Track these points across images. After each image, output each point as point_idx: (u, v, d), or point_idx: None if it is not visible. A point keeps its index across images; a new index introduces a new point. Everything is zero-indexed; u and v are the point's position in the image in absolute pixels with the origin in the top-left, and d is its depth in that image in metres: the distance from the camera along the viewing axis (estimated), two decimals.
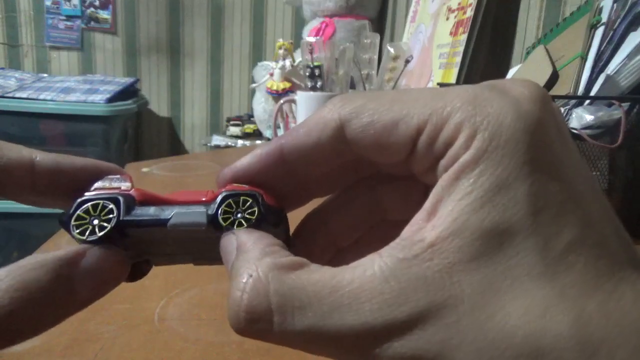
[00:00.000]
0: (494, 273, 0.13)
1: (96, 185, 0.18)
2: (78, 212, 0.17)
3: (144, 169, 0.90)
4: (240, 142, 1.95)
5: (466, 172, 0.14)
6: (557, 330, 0.13)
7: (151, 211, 0.17)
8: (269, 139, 1.65)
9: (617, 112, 0.54)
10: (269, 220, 0.18)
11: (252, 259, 0.15)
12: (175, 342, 0.36)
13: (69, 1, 2.29)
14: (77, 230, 0.17)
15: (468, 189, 0.14)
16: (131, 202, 0.17)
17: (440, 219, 0.14)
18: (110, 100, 1.88)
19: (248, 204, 0.18)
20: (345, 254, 0.21)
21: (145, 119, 2.40)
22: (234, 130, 2.05)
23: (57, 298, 0.16)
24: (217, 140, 2.03)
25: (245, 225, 0.17)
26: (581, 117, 0.56)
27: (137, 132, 2.36)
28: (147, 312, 0.39)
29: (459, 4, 1.05)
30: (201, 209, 0.17)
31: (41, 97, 1.83)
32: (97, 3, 2.31)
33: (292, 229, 0.21)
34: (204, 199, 0.18)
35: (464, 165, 0.14)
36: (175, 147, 2.46)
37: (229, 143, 1.97)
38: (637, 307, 0.13)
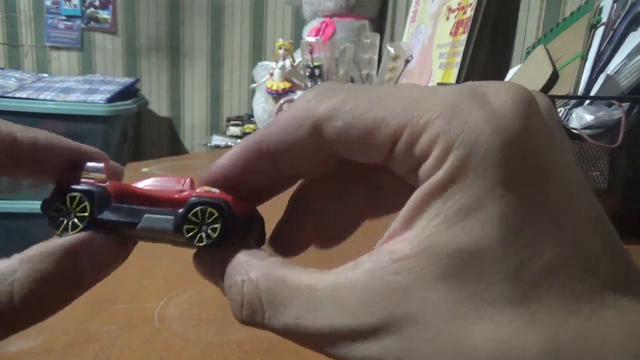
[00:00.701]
0: (459, 295, 0.13)
1: (79, 172, 0.19)
2: (55, 203, 0.18)
3: (144, 169, 0.90)
4: (240, 142, 1.95)
5: (437, 191, 0.14)
6: (523, 356, 0.13)
7: (122, 213, 0.18)
8: None
9: (617, 112, 0.54)
10: (234, 233, 0.18)
11: (240, 265, 0.17)
12: (175, 342, 0.36)
13: (69, 1, 2.29)
14: (53, 221, 0.18)
15: (437, 210, 0.14)
16: (105, 199, 0.18)
17: (411, 234, 0.14)
18: (110, 100, 1.87)
19: (209, 214, 0.18)
20: (336, 241, 0.21)
21: (145, 119, 2.40)
22: (234, 130, 2.04)
23: (64, 285, 0.17)
24: (217, 140, 2.03)
25: (210, 239, 0.18)
26: (581, 117, 0.56)
27: (137, 132, 2.36)
28: (147, 312, 0.39)
29: (459, 4, 1.05)
30: (170, 215, 0.18)
31: (41, 97, 1.83)
32: (97, 3, 2.31)
33: (279, 216, 0.21)
34: (176, 196, 0.19)
35: (435, 184, 0.14)
36: (175, 147, 2.45)
37: (229, 143, 1.96)
38: (619, 330, 0.13)
